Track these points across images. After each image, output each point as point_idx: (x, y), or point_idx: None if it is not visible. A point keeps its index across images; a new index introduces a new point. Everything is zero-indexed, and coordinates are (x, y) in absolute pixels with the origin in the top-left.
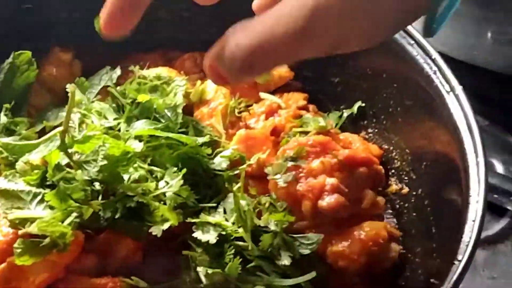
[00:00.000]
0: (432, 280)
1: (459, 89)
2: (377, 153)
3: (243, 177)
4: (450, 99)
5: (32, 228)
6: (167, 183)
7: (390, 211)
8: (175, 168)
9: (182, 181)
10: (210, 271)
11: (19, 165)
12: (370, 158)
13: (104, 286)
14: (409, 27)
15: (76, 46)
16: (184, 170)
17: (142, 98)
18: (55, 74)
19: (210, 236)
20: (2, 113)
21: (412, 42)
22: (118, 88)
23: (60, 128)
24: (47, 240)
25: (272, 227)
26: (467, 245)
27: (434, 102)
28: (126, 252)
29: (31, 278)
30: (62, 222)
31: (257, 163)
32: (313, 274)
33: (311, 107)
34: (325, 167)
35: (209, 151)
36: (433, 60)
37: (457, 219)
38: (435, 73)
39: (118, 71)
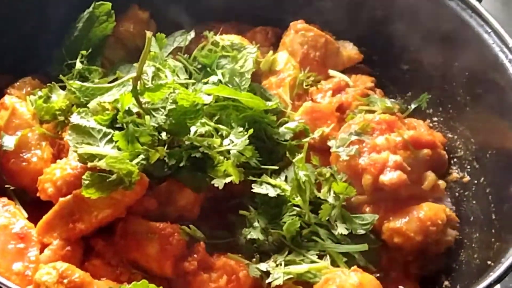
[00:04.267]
0: (489, 262)
1: None
2: (441, 141)
3: (306, 148)
4: None
5: (101, 163)
6: (232, 141)
7: (449, 198)
8: (241, 129)
9: (247, 141)
10: (269, 227)
11: (92, 105)
12: (435, 141)
13: (162, 230)
14: (488, 15)
15: (152, 8)
16: (251, 131)
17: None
18: (132, 31)
19: (270, 191)
20: (78, 60)
21: (489, 30)
22: (185, 55)
23: (134, 74)
24: (114, 176)
25: (331, 200)
26: None
27: (506, 90)
28: (185, 203)
29: (94, 213)
30: (130, 161)
31: (321, 136)
32: (365, 246)
33: (377, 91)
34: (389, 144)
35: (274, 118)
36: (510, 49)
37: None
38: (510, 61)
39: (192, 34)
